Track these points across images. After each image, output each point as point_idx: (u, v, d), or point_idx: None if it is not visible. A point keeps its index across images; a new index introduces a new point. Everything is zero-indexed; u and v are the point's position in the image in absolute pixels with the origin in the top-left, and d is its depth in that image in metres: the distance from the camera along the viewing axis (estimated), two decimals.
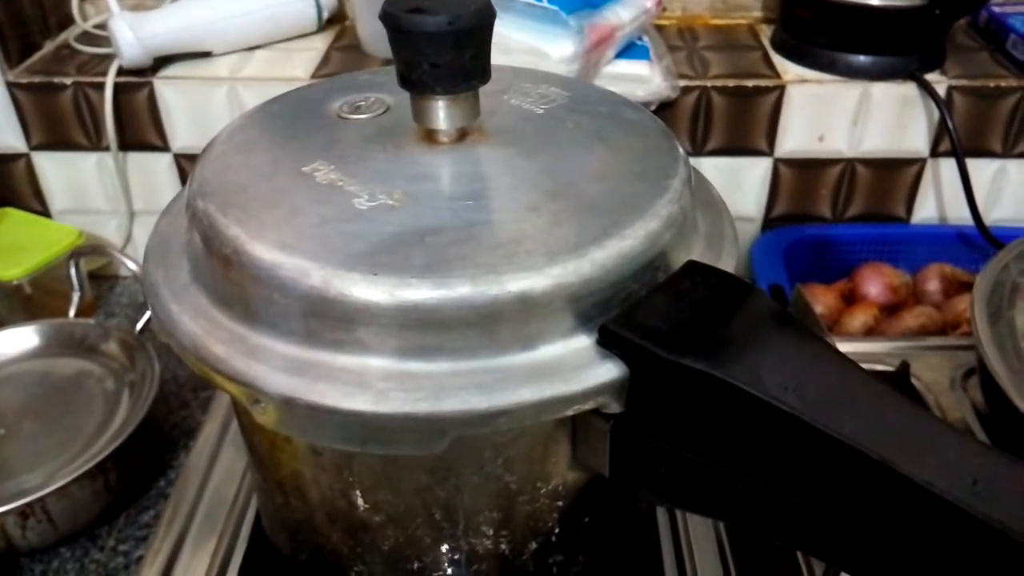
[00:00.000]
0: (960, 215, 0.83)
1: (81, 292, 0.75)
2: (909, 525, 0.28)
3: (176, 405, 0.74)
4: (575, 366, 0.31)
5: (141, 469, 0.65)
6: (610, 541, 0.42)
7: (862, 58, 0.78)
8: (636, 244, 0.33)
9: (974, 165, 0.80)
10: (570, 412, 0.31)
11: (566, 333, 0.32)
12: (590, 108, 0.41)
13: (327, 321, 0.31)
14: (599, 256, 0.32)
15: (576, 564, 0.40)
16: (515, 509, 0.37)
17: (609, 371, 0.31)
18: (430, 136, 0.37)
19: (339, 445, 0.31)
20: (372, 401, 0.30)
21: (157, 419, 0.69)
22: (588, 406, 0.32)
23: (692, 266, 0.35)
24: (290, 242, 0.32)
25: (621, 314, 0.32)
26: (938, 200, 0.84)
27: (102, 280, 0.88)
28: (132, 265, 0.73)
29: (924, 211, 0.85)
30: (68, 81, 0.79)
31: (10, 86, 0.79)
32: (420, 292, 0.30)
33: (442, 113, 0.35)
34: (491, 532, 0.37)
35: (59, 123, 0.81)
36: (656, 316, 0.32)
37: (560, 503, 0.37)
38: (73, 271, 0.74)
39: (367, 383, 0.30)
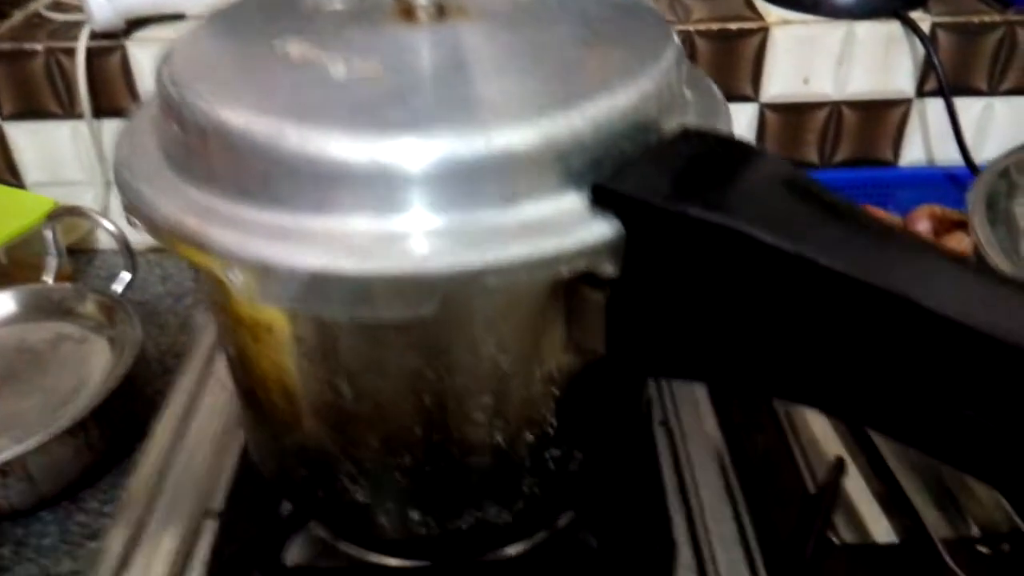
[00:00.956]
0: (947, 156, 0.82)
1: (58, 257, 0.73)
2: (923, 359, 0.27)
3: (159, 371, 0.72)
4: (568, 223, 0.30)
5: (123, 429, 0.63)
6: (607, 439, 0.41)
7: None
8: (628, 102, 0.31)
9: (960, 104, 0.79)
10: (564, 271, 0.30)
11: (557, 191, 0.30)
12: None
13: (305, 182, 0.29)
14: (590, 111, 0.30)
15: (573, 460, 0.39)
16: (508, 394, 0.35)
17: (603, 229, 0.30)
18: (408, 13, 0.36)
19: (324, 312, 0.29)
20: (356, 261, 0.28)
21: (139, 381, 0.67)
22: (582, 265, 0.30)
23: (687, 131, 0.33)
24: (265, 106, 0.30)
25: (614, 172, 0.31)
26: (925, 141, 0.84)
27: (80, 253, 0.87)
28: (109, 226, 0.71)
29: (911, 153, 0.84)
30: (39, 47, 0.77)
31: None
32: (402, 147, 0.29)
33: None
34: (484, 420, 0.35)
35: (31, 91, 0.79)
36: (651, 173, 0.31)
37: (555, 390, 0.36)
38: (49, 234, 0.72)
39: (350, 244, 0.29)
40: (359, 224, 0.29)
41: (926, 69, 0.79)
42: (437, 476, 0.37)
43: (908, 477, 0.47)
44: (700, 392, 0.53)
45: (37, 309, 0.70)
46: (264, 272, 0.29)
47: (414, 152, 0.29)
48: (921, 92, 0.81)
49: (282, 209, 0.30)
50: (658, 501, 0.46)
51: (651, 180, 0.30)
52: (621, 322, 0.33)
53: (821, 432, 0.51)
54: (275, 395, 0.37)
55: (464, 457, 0.37)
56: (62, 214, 0.73)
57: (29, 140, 0.82)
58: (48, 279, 0.73)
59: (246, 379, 0.39)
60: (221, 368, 0.57)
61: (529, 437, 0.37)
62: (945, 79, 0.77)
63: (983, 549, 0.43)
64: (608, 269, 0.31)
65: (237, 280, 0.29)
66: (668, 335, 0.32)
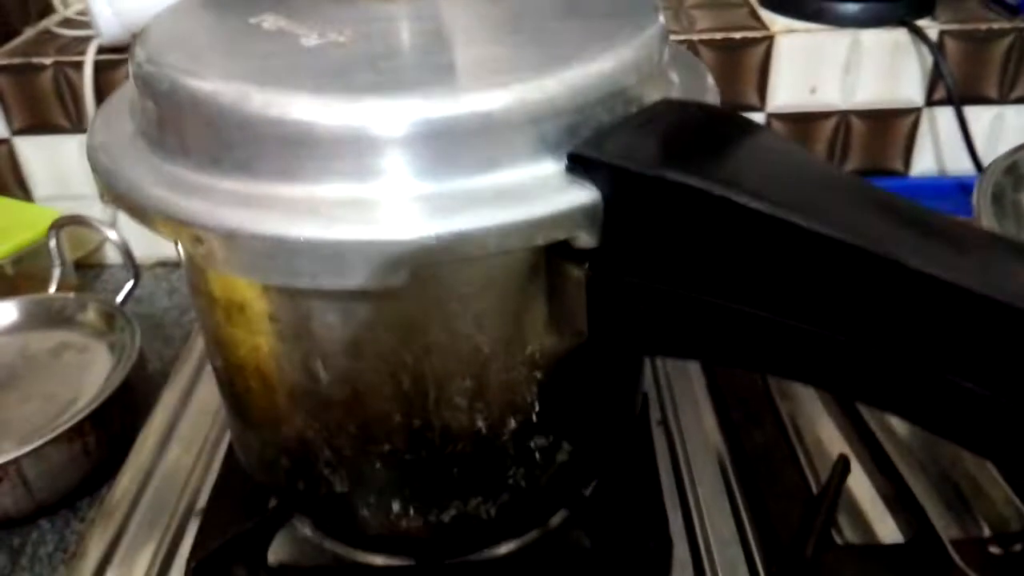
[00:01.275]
0: (959, 167, 0.81)
1: (62, 266, 0.73)
2: (912, 323, 0.26)
3: (162, 382, 0.71)
4: (543, 191, 0.29)
5: (122, 437, 0.62)
6: (597, 430, 0.39)
7: (850, 5, 0.77)
8: (605, 68, 0.31)
9: (970, 113, 0.78)
10: (539, 241, 0.29)
11: (533, 158, 0.30)
12: None
13: (271, 147, 0.29)
14: (566, 76, 0.30)
15: (560, 450, 0.37)
16: (489, 378, 0.34)
17: (580, 196, 0.29)
18: None
19: (291, 282, 0.28)
20: (321, 227, 0.28)
21: (139, 389, 0.67)
22: (559, 235, 0.29)
23: (668, 101, 0.33)
24: (231, 73, 0.30)
25: (591, 138, 0.30)
26: (936, 151, 0.82)
27: (87, 268, 0.87)
28: (112, 234, 0.71)
29: (922, 164, 0.83)
30: (47, 61, 0.78)
31: None
32: (369, 109, 0.28)
33: None
34: (465, 405, 0.34)
35: (40, 106, 0.80)
36: (629, 140, 0.30)
37: (538, 374, 0.35)
38: (54, 243, 0.72)
39: (316, 210, 0.28)
40: (327, 191, 0.29)
41: (935, 78, 0.78)
42: (418, 465, 0.36)
43: (915, 476, 0.45)
44: (700, 391, 0.52)
45: (39, 318, 0.70)
46: (229, 239, 0.28)
47: (380, 115, 0.28)
48: (930, 101, 0.79)
49: (250, 177, 0.29)
50: (654, 499, 0.45)
51: (628, 146, 0.29)
52: (602, 298, 0.32)
53: (825, 431, 0.49)
54: (253, 381, 0.36)
55: (445, 445, 0.35)
56: (66, 223, 0.73)
57: (38, 154, 0.83)
58: (52, 288, 0.73)
59: (225, 368, 0.39)
60: (211, 374, 0.56)
61: (512, 424, 0.36)
62: (954, 88, 0.76)
63: (994, 550, 0.41)
64: (586, 240, 0.30)
65: (202, 250, 0.29)
66: (651, 310, 0.31)
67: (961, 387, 0.26)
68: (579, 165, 0.30)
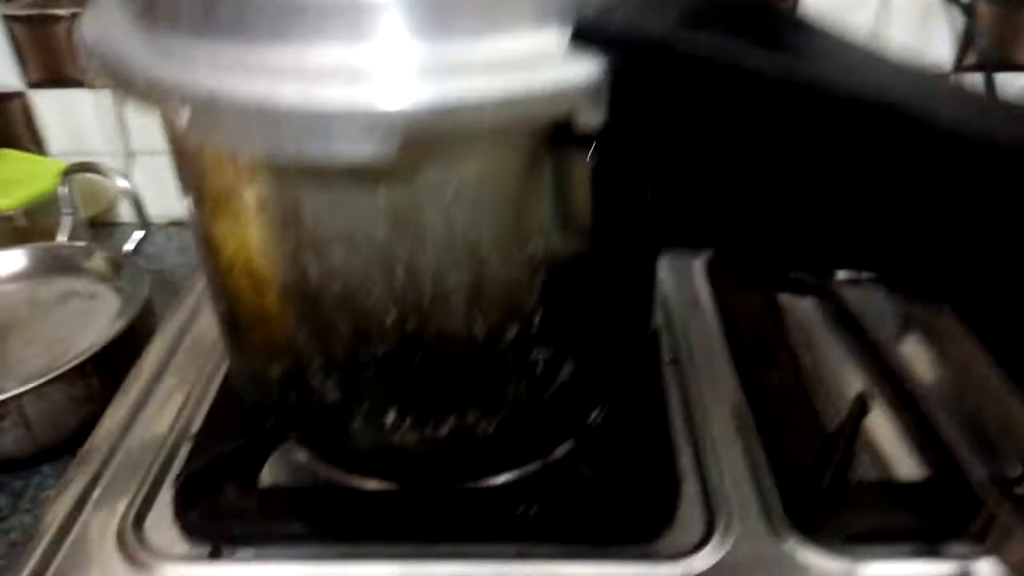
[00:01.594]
0: None
1: (73, 215, 0.73)
2: (928, 183, 0.24)
3: None
4: (545, 61, 0.27)
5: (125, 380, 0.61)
6: (601, 350, 0.38)
7: None
8: None
9: (1002, 80, 0.75)
10: (540, 116, 0.27)
11: (534, 25, 0.28)
12: None
13: (258, 8, 0.27)
14: None
15: (563, 366, 0.36)
16: (488, 278, 0.32)
17: (585, 68, 0.27)
18: None
19: (273, 150, 0.27)
20: (307, 92, 0.26)
21: (144, 337, 0.66)
22: (561, 109, 0.27)
23: None
24: None
25: (598, 9, 0.28)
26: None
27: (101, 227, 0.86)
28: (123, 183, 0.71)
29: None
30: (63, 12, 0.78)
31: (6, 19, 0.78)
32: None
33: None
34: (461, 307, 0.33)
35: (55, 58, 0.80)
36: (638, 11, 0.28)
37: (540, 277, 0.33)
38: (64, 191, 0.72)
39: (303, 74, 0.27)
40: (316, 55, 0.27)
41: (966, 42, 0.76)
42: (412, 372, 0.35)
43: (939, 416, 0.43)
44: (714, 332, 0.50)
45: (48, 266, 0.69)
46: (210, 105, 0.27)
47: None
48: (960, 67, 0.77)
49: (237, 41, 0.28)
50: (663, 435, 0.43)
51: (637, 18, 0.28)
52: (607, 188, 0.30)
53: (845, 372, 0.47)
54: (243, 280, 0.35)
55: (441, 350, 0.34)
56: (78, 170, 0.73)
57: (53, 109, 0.83)
58: (62, 237, 0.72)
59: (216, 270, 0.37)
60: (208, 311, 0.55)
61: (513, 332, 0.34)
62: (986, 53, 0.74)
63: (1021, 489, 0.39)
64: (591, 118, 0.28)
65: (184, 119, 0.27)
66: (657, 197, 0.29)
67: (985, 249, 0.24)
68: (584, 37, 0.28)
